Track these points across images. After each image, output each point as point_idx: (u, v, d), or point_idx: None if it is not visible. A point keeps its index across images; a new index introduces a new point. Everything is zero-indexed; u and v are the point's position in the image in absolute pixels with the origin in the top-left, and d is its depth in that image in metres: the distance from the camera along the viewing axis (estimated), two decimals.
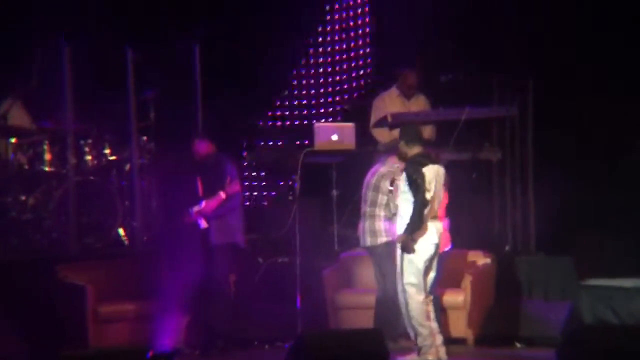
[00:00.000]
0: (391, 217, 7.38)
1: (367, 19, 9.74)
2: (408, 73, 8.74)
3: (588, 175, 8.75)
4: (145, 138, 8.77)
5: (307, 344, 5.85)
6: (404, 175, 6.98)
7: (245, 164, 9.61)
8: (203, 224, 7.41)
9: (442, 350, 6.80)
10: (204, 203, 7.40)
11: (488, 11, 9.01)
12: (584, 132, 8.81)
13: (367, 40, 9.77)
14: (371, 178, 7.56)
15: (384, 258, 7.38)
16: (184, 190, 7.49)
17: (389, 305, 7.26)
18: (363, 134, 8.48)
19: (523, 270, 8.28)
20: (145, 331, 7.21)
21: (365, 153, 8.39)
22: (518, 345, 7.56)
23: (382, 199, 7.45)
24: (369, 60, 9.78)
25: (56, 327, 7.24)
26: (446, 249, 7.44)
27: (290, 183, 7.77)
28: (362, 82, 9.79)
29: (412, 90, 8.76)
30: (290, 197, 7.82)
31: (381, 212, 7.41)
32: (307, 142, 8.49)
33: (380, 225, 7.41)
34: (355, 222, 7.70)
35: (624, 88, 8.61)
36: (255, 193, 9.69)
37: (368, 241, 7.47)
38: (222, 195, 7.41)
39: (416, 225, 6.80)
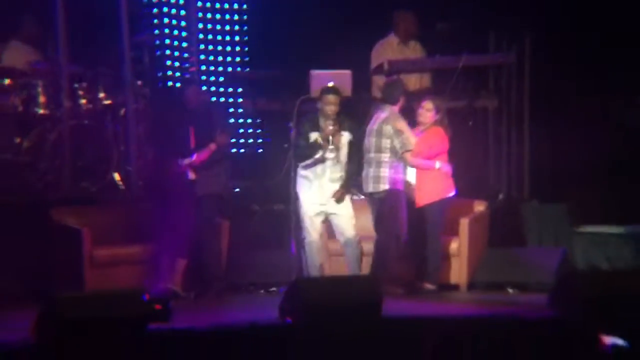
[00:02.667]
0: (396, 161, 7.39)
1: None
2: (405, 15, 8.68)
3: (584, 123, 8.76)
4: (139, 82, 8.71)
5: (302, 289, 5.90)
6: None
7: (240, 110, 9.58)
8: (191, 175, 7.41)
9: None
10: (195, 155, 7.39)
11: None
12: (581, 81, 8.79)
13: None
14: (373, 124, 7.58)
15: (385, 204, 7.41)
16: (176, 140, 7.46)
17: (387, 251, 7.31)
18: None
19: (517, 218, 8.34)
20: (141, 275, 7.25)
21: (363, 99, 8.37)
22: (510, 290, 7.64)
23: (386, 142, 7.47)
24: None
25: (52, 270, 7.27)
26: (450, 194, 7.49)
27: (286, 130, 7.75)
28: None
29: (410, 33, 8.70)
30: (286, 145, 7.80)
31: (386, 157, 7.43)
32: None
33: (385, 171, 7.44)
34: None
35: (626, 38, 8.57)
36: (251, 140, 9.66)
37: (371, 187, 7.51)
38: (213, 146, 7.41)
39: None
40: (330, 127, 7.15)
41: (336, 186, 7.28)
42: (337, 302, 5.86)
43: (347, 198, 7.32)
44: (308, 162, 7.25)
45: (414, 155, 7.46)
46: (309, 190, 7.28)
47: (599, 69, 8.66)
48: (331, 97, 7.22)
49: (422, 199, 7.49)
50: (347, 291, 5.97)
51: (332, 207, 7.29)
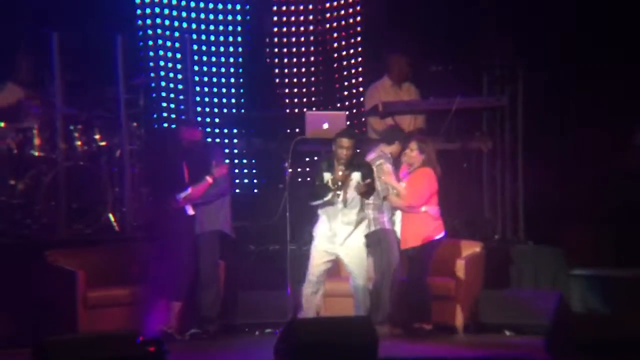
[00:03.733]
0: (379, 203, 7.40)
1: (358, 8, 9.74)
2: (398, 58, 8.77)
3: (578, 164, 8.80)
4: (135, 124, 8.76)
5: (298, 330, 5.87)
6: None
7: (235, 151, 9.62)
8: (190, 210, 7.40)
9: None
10: (190, 189, 7.39)
11: (478, 1, 9.03)
12: (572, 123, 8.85)
13: (358, 30, 9.77)
14: None
15: (375, 247, 7.42)
16: (171, 176, 7.47)
17: (381, 292, 7.29)
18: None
19: (512, 259, 8.33)
20: (135, 317, 7.21)
21: (358, 141, 8.40)
22: (507, 333, 7.60)
23: None
24: (359, 49, 9.78)
25: (46, 311, 7.23)
26: (438, 236, 7.49)
27: (282, 171, 7.78)
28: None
29: (403, 75, 8.79)
30: (281, 185, 7.82)
31: (369, 200, 7.44)
32: (297, 130, 8.50)
33: (369, 214, 7.44)
34: None
35: (613, 75, 8.66)
36: (246, 180, 9.69)
37: None
38: (209, 179, 7.41)
39: None
40: (340, 173, 7.12)
41: (350, 228, 7.21)
42: (333, 343, 5.82)
43: (361, 243, 7.24)
44: (318, 202, 7.22)
45: (405, 201, 7.46)
46: (322, 230, 7.24)
47: (593, 109, 8.73)
48: (345, 141, 7.15)
49: (407, 241, 7.49)
50: (343, 332, 5.94)
51: (343, 250, 7.23)
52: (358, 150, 7.46)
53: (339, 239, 7.21)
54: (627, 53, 8.61)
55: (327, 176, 7.19)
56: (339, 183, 7.11)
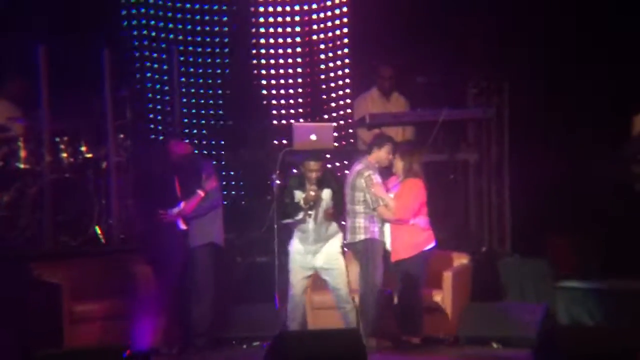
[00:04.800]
0: (370, 212, 7.40)
1: (345, 20, 9.76)
2: (383, 68, 8.79)
3: (564, 176, 8.84)
4: (122, 136, 8.73)
5: (285, 343, 5.85)
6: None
7: (223, 163, 9.61)
8: (182, 225, 7.38)
9: None
10: (182, 204, 7.38)
11: (463, 14, 9.07)
12: (558, 134, 8.89)
13: (345, 41, 9.80)
14: (350, 177, 7.61)
15: (363, 255, 7.42)
16: (162, 191, 7.45)
17: (369, 303, 7.29)
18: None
19: (499, 272, 8.34)
20: (122, 330, 7.17)
21: (345, 152, 8.42)
22: (495, 345, 7.61)
23: (359, 195, 7.51)
24: (346, 61, 9.79)
25: (31, 325, 7.17)
26: (428, 246, 7.49)
27: (268, 182, 7.77)
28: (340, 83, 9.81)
29: (389, 84, 8.82)
30: (269, 197, 7.81)
31: (360, 209, 7.44)
32: (284, 141, 8.50)
33: (360, 222, 7.46)
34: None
35: (597, 88, 8.71)
36: (234, 192, 9.68)
37: (349, 237, 7.54)
38: (201, 193, 7.41)
39: None
40: (312, 193, 7.13)
41: (323, 243, 7.21)
42: (321, 356, 5.81)
43: (339, 254, 7.25)
44: (289, 221, 7.24)
45: (395, 215, 7.45)
46: (296, 247, 7.26)
47: (579, 121, 8.78)
48: (312, 164, 7.18)
49: (398, 253, 7.49)
50: (331, 345, 5.93)
51: (321, 261, 7.24)
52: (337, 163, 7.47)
53: (312, 254, 7.20)
54: (612, 68, 8.67)
55: (298, 194, 7.20)
56: (311, 203, 7.12)
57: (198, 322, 7.36)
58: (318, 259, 7.20)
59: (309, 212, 7.14)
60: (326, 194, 7.21)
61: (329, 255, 7.20)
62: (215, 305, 7.61)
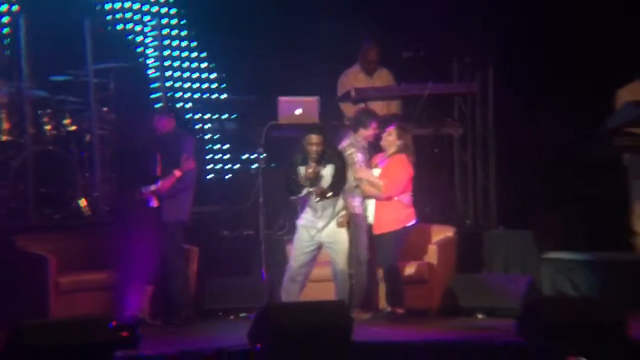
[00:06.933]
0: (352, 190, 7.41)
1: None
2: (368, 48, 8.78)
3: (548, 150, 8.88)
4: (105, 109, 8.67)
5: (271, 315, 5.86)
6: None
7: (208, 136, 9.57)
8: (154, 202, 7.36)
9: None
10: (160, 183, 7.34)
11: None
12: (543, 108, 8.92)
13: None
14: None
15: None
16: (141, 167, 7.41)
17: (355, 276, 7.31)
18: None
19: (484, 244, 8.39)
20: (108, 302, 7.15)
21: (331, 127, 8.40)
22: (479, 316, 7.67)
23: None
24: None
25: (17, 297, 7.14)
26: (410, 223, 7.51)
27: (254, 156, 7.75)
28: None
29: (372, 65, 8.80)
30: (253, 171, 7.78)
31: None
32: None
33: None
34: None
35: (585, 61, 8.73)
36: (219, 165, 9.64)
37: None
38: (177, 173, 7.37)
39: None
40: (311, 170, 7.08)
41: (329, 219, 7.16)
42: (306, 327, 5.82)
43: (344, 230, 7.21)
44: (294, 198, 7.21)
45: (383, 192, 7.46)
46: (303, 222, 7.22)
47: (563, 96, 8.81)
48: (314, 137, 7.10)
49: (380, 227, 7.50)
50: (317, 316, 5.94)
51: (325, 238, 7.20)
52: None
53: (318, 230, 7.17)
54: (597, 41, 8.69)
55: (301, 170, 7.15)
56: (311, 179, 7.08)
57: (177, 295, 7.36)
58: (323, 234, 7.17)
59: (310, 188, 7.09)
60: (328, 170, 7.14)
61: (332, 230, 7.17)
62: (200, 278, 7.60)
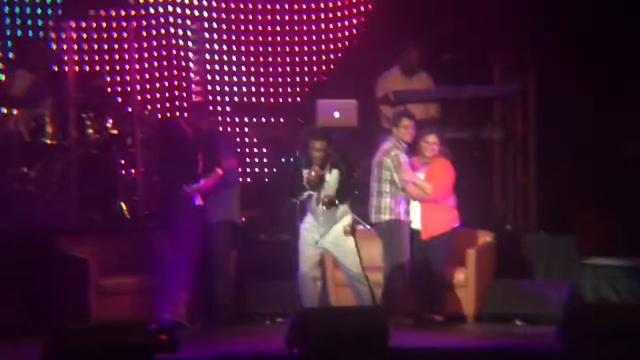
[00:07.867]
0: (397, 192, 7.39)
1: None
2: (409, 51, 8.75)
3: (591, 152, 8.76)
4: (146, 112, 8.76)
5: (308, 320, 5.88)
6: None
7: (247, 140, 9.62)
8: (198, 200, 7.41)
9: None
10: (202, 181, 7.41)
11: None
12: (585, 110, 8.81)
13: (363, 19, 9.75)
14: (377, 155, 7.59)
15: (387, 235, 7.41)
16: (183, 166, 7.48)
17: (392, 282, 7.30)
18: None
19: (524, 249, 8.31)
20: (147, 305, 7.23)
21: (368, 130, 8.40)
22: (518, 323, 7.60)
23: (386, 174, 7.48)
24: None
25: (58, 299, 7.25)
26: (454, 225, 7.51)
27: (292, 160, 7.75)
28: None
29: (413, 68, 8.77)
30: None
31: (387, 188, 7.43)
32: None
33: (386, 202, 7.44)
34: (357, 199, 7.68)
35: (627, 60, 8.61)
36: (257, 169, 9.69)
37: (373, 217, 7.52)
38: (219, 171, 7.42)
39: None
40: (313, 174, 6.99)
41: (331, 225, 7.08)
42: (343, 332, 5.83)
43: (347, 233, 7.10)
44: (296, 200, 7.18)
45: (432, 195, 7.44)
46: (306, 225, 7.18)
47: (607, 96, 8.69)
48: (317, 144, 6.99)
49: (428, 231, 7.50)
50: (354, 322, 5.95)
51: (329, 242, 7.13)
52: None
53: (321, 234, 7.08)
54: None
55: (305, 173, 7.08)
56: (313, 183, 7.02)
57: (220, 296, 7.42)
58: (326, 239, 7.12)
59: (311, 192, 7.05)
60: (332, 176, 7.06)
61: (337, 235, 7.09)
62: (238, 281, 7.64)
